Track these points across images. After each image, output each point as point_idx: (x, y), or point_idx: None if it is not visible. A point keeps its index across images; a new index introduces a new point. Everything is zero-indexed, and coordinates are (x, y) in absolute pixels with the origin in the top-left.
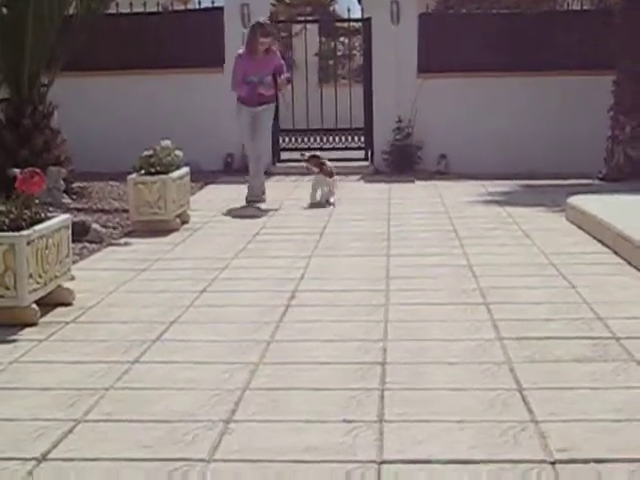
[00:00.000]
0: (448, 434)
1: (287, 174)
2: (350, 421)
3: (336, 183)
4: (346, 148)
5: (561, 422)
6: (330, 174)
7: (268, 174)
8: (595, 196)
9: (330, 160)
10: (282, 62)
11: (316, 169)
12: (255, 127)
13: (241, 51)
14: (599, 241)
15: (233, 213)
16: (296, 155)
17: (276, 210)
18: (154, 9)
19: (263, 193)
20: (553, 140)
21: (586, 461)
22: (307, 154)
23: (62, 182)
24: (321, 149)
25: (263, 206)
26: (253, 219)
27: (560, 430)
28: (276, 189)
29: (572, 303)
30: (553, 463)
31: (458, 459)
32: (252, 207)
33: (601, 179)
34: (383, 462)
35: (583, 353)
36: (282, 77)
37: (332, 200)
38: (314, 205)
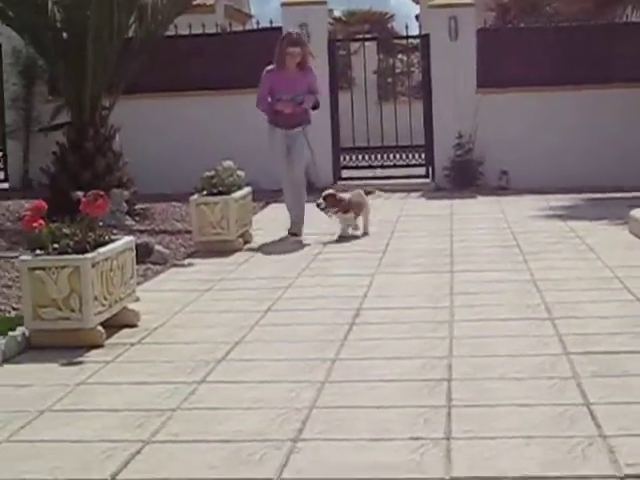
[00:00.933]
0: (516, 450)
1: (349, 191)
2: (417, 438)
3: (364, 208)
4: (407, 165)
5: (630, 436)
6: (346, 209)
7: None
8: None
9: (391, 178)
10: (315, 81)
11: (334, 209)
12: (289, 151)
13: (270, 67)
14: None
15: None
16: (357, 173)
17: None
18: (212, 30)
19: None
20: (615, 153)
21: None
22: (321, 200)
23: (125, 204)
24: (382, 166)
25: (304, 239)
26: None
27: (629, 445)
28: None
29: (638, 317)
30: (622, 478)
31: (527, 476)
32: (292, 240)
33: None
34: (452, 479)
35: None
36: (309, 96)
37: (359, 231)
38: (343, 238)
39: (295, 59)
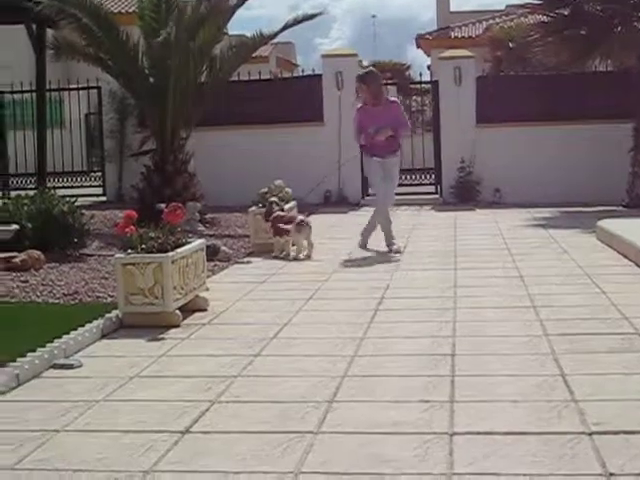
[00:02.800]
0: (506, 411)
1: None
2: (427, 401)
3: (300, 235)
4: (420, 184)
5: (596, 401)
6: (281, 232)
7: (357, 206)
8: (620, 220)
9: (407, 194)
10: (401, 113)
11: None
12: (384, 175)
13: (359, 105)
14: (624, 256)
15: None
16: None
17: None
18: (267, 77)
19: (367, 237)
20: (585, 175)
21: (617, 432)
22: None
23: (198, 214)
24: (400, 185)
25: (395, 247)
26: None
27: (596, 408)
28: (364, 218)
29: (603, 305)
30: (590, 434)
31: (515, 431)
32: (391, 252)
33: (624, 206)
34: (454, 434)
35: (613, 346)
36: (400, 127)
37: (303, 254)
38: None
39: (365, 94)
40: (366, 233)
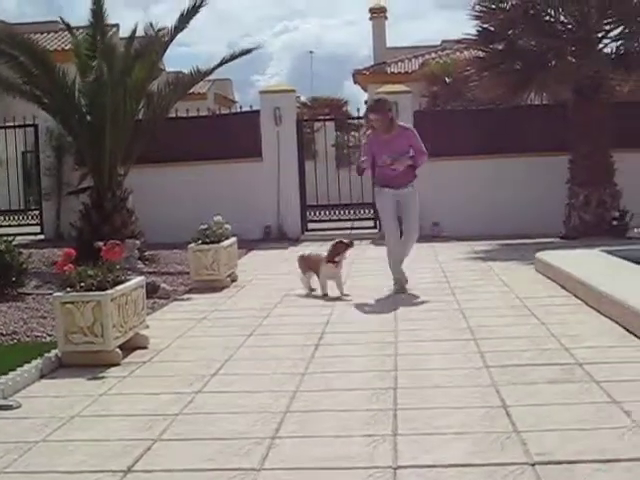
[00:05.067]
0: (449, 444)
1: (314, 241)
2: (370, 435)
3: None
4: (359, 219)
5: (538, 431)
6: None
7: (297, 241)
8: (557, 251)
9: (346, 229)
10: (417, 140)
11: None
12: (400, 211)
13: (369, 132)
14: (562, 287)
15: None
16: (320, 225)
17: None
18: (205, 113)
19: (400, 279)
20: (522, 207)
21: (560, 462)
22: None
23: (137, 251)
24: (339, 220)
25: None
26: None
27: (538, 438)
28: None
29: (543, 337)
30: (533, 465)
31: (458, 463)
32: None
33: (561, 237)
34: (398, 467)
35: (554, 376)
36: (417, 156)
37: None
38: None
39: (378, 124)
40: (395, 274)
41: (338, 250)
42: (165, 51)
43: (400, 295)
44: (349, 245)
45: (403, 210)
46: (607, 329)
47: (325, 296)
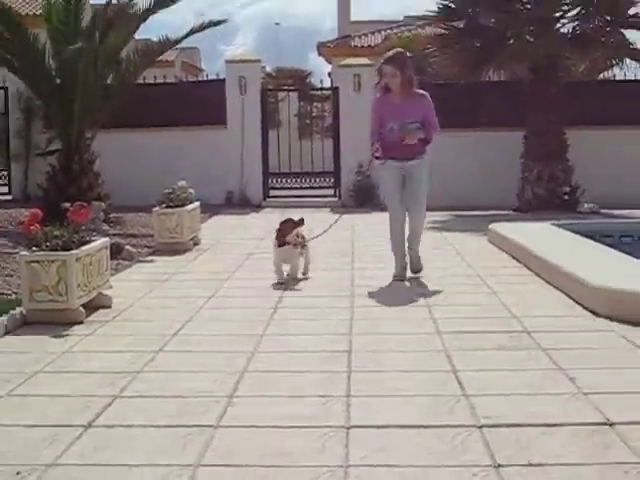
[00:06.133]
0: (401, 406)
1: (275, 207)
2: (324, 396)
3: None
4: (320, 187)
5: (486, 396)
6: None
7: (258, 207)
8: (510, 224)
9: (307, 197)
10: (432, 111)
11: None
12: (405, 186)
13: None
14: (514, 258)
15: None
16: (282, 192)
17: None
18: (172, 80)
19: (400, 264)
20: (478, 180)
21: (506, 426)
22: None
23: (102, 213)
24: (300, 188)
25: (424, 280)
26: (255, 242)
27: (485, 402)
28: (266, 220)
29: (494, 305)
30: (480, 427)
31: (409, 424)
32: (411, 282)
33: (514, 210)
34: (351, 427)
35: (503, 343)
36: (429, 128)
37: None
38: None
39: (395, 82)
40: (403, 264)
41: (287, 230)
42: (145, 20)
43: (398, 283)
44: (298, 223)
45: (407, 185)
46: (556, 299)
47: (280, 285)
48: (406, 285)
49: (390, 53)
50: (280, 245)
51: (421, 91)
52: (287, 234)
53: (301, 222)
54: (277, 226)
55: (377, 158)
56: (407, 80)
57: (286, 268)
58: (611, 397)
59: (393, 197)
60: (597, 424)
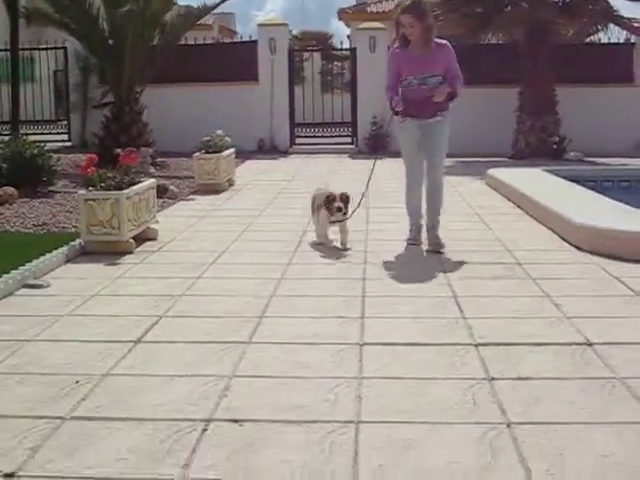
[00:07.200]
0: (407, 326)
1: (300, 153)
2: (342, 317)
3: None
4: (339, 135)
5: (482, 318)
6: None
7: (286, 153)
8: (505, 169)
9: (329, 144)
10: (454, 61)
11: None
12: (425, 145)
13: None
14: (508, 199)
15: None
16: (306, 140)
17: (290, 180)
18: (210, 41)
19: (415, 226)
20: (479, 130)
21: (499, 344)
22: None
23: (149, 158)
24: (322, 136)
25: (444, 250)
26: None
27: (481, 324)
28: (293, 164)
29: (489, 240)
30: (476, 345)
31: (413, 342)
32: (431, 251)
33: (510, 158)
34: (364, 344)
35: (497, 273)
36: (441, 86)
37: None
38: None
39: (414, 33)
40: (417, 227)
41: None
42: None
43: (410, 247)
44: (337, 200)
45: (427, 144)
46: (545, 236)
47: (323, 245)
48: (421, 249)
49: (407, 2)
50: (332, 214)
51: (442, 40)
52: (339, 207)
53: (347, 198)
54: (324, 196)
55: (396, 114)
56: (426, 29)
57: (332, 237)
58: (591, 321)
59: (411, 159)
60: (578, 344)
